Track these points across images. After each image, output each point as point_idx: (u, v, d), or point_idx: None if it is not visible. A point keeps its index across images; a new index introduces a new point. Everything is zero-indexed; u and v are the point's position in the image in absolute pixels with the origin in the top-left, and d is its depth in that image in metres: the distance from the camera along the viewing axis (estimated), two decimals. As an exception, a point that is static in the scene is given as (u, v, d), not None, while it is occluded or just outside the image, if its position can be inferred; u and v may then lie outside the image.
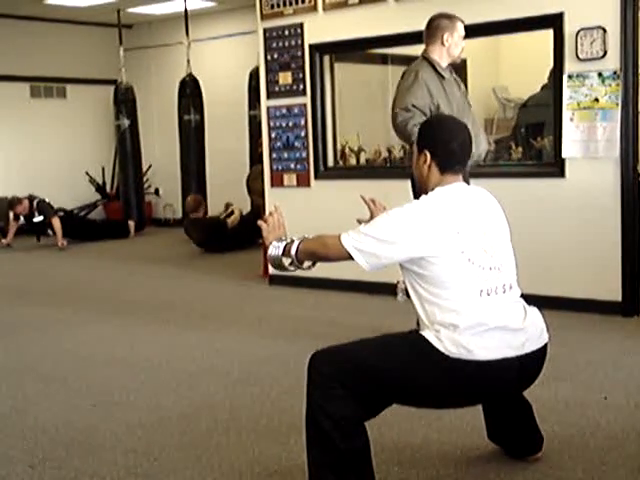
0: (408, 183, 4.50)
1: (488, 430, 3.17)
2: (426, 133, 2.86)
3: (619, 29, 5.21)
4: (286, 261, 2.90)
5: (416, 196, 3.75)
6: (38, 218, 10.22)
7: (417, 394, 2.71)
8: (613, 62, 5.23)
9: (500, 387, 2.76)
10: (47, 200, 10.42)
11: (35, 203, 10.24)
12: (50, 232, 10.23)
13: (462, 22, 4.70)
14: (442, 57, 4.65)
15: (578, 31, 5.30)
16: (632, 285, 5.36)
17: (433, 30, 4.66)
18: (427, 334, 2.64)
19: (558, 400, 3.77)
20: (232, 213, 9.71)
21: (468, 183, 4.44)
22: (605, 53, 5.24)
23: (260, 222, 3.00)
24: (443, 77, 4.61)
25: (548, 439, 3.16)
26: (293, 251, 2.85)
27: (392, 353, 2.67)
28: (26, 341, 5.44)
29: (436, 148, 2.78)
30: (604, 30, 5.24)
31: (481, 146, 4.63)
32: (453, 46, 4.65)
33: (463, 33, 4.69)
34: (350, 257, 2.68)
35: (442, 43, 4.62)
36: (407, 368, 2.64)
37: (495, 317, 2.64)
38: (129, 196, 11.45)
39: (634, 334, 4.95)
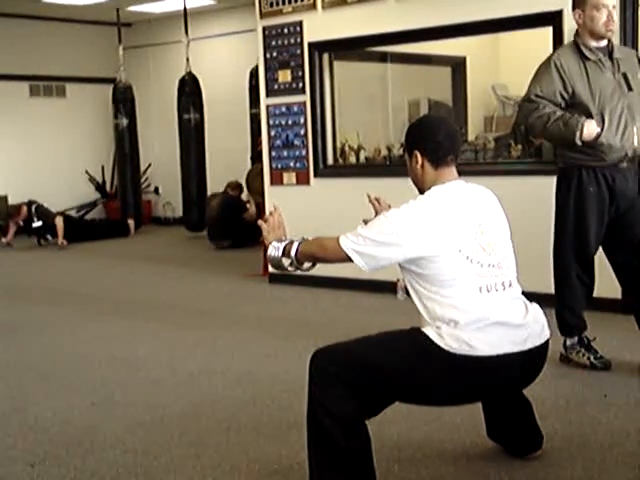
0: (408, 181, 4.48)
1: (488, 428, 3.17)
2: (410, 136, 2.88)
3: (618, 27, 5.19)
4: (286, 262, 2.91)
5: None
6: (37, 223, 10.25)
7: (419, 391, 2.72)
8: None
9: (502, 383, 2.76)
10: (45, 205, 10.44)
11: (34, 208, 10.27)
12: (50, 237, 10.23)
13: None
14: (585, 36, 4.11)
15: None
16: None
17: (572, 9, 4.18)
18: (428, 331, 2.65)
19: (558, 398, 3.77)
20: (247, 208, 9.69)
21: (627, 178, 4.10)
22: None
23: (260, 222, 3.03)
24: (588, 58, 4.08)
25: (548, 437, 3.16)
26: (293, 252, 2.86)
27: (394, 350, 2.68)
28: (26, 340, 5.44)
29: (423, 145, 2.80)
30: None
31: (630, 139, 4.06)
32: (588, 21, 4.05)
33: (601, 1, 4.02)
34: (349, 259, 2.69)
35: (577, 22, 4.13)
36: (409, 365, 2.64)
37: (496, 312, 2.65)
38: (127, 195, 11.45)
39: (634, 332, 4.94)
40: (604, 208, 4.18)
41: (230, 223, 9.46)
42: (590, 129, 4.03)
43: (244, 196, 9.88)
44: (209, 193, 10.54)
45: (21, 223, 10.36)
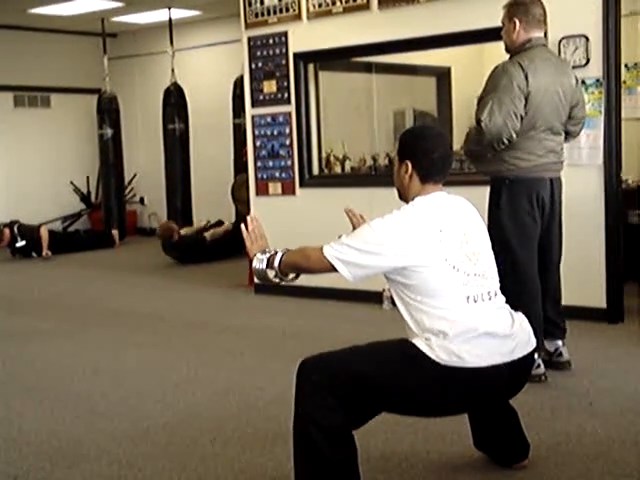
0: (393, 191, 4.49)
1: (474, 438, 3.16)
2: (406, 144, 2.85)
3: (601, 37, 5.24)
4: (270, 273, 2.89)
5: None
6: (21, 243, 10.16)
7: (409, 402, 2.71)
8: (596, 70, 5.25)
9: (491, 394, 2.77)
10: (25, 223, 10.37)
11: (16, 228, 10.19)
12: (34, 254, 10.14)
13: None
14: None
15: (561, 39, 5.32)
16: (617, 292, 5.38)
17: None
18: (418, 342, 2.64)
19: (544, 407, 3.78)
20: (210, 227, 9.72)
21: None
22: (588, 61, 5.26)
23: (243, 227, 2.98)
24: None
25: (534, 446, 3.16)
26: (276, 264, 2.84)
27: (383, 361, 2.67)
28: (10, 352, 5.40)
29: (417, 158, 2.78)
30: (587, 38, 5.27)
31: None
32: None
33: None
34: (333, 269, 2.68)
35: None
36: (398, 376, 2.64)
37: (484, 323, 2.65)
38: (111, 205, 11.41)
39: (619, 341, 4.96)
40: None
41: (195, 256, 9.30)
42: None
43: (208, 233, 9.76)
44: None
45: (7, 248, 10.28)
